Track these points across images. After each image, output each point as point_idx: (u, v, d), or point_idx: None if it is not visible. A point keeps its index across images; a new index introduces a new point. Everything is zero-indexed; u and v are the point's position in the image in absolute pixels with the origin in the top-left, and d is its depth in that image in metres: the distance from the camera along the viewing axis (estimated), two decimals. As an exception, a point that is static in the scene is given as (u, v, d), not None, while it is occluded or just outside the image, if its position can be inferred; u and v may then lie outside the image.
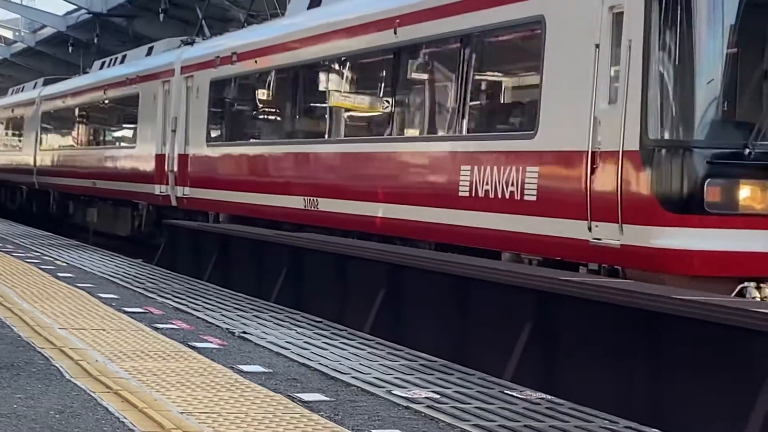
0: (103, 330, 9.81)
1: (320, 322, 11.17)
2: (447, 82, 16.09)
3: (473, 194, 14.17)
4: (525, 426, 6.69)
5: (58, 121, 39.07)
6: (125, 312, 11.13)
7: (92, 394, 6.98)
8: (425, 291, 12.39)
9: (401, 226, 15.93)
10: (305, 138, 20.06)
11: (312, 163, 19.22)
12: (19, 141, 44.14)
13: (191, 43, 27.99)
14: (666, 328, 8.82)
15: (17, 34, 63.50)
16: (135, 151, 29.17)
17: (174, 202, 25.82)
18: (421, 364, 8.77)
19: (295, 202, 19.25)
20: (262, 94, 21.81)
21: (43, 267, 15.68)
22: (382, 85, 17.62)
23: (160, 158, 26.78)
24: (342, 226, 17.62)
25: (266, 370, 8.17)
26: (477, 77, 15.13)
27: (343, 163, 18.08)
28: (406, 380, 8.02)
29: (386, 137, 16.91)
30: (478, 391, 7.73)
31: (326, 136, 18.99)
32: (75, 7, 47.17)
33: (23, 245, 20.26)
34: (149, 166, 27.61)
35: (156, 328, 10.08)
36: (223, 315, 11.28)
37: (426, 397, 7.36)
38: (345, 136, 18.59)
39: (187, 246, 20.11)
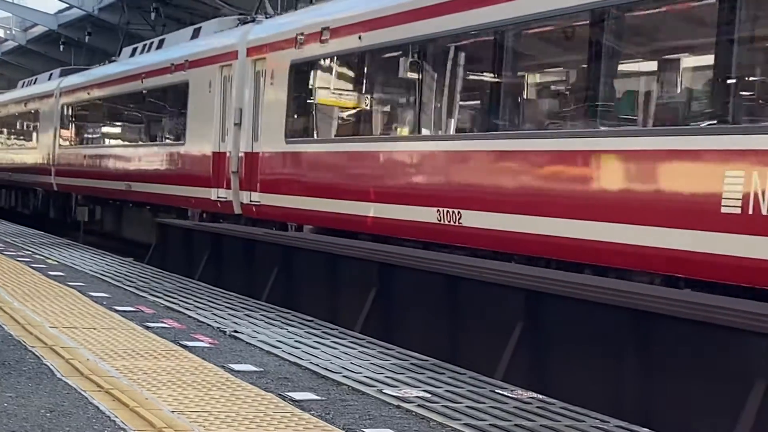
0: (94, 329, 9.79)
1: (311, 321, 11.18)
2: (686, 53, 11.75)
3: (750, 211, 9.90)
4: (516, 425, 6.69)
5: (82, 115, 34.51)
6: (116, 311, 11.12)
7: (83, 392, 6.98)
8: (416, 290, 12.40)
9: (602, 252, 11.81)
10: (447, 132, 15.20)
11: (453, 164, 14.64)
12: (34, 138, 39.70)
13: (252, 21, 23.42)
14: (657, 327, 8.84)
15: (8, 32, 63.46)
16: (183, 149, 24.69)
17: (237, 210, 21.54)
18: (412, 363, 8.78)
19: (423, 214, 14.90)
20: (370, 78, 17.24)
21: (34, 265, 15.66)
22: (570, 59, 13.47)
23: (218, 157, 22.50)
24: (499, 248, 13.45)
25: (257, 369, 8.17)
26: (748, 41, 10.52)
27: (509, 164, 13.56)
28: (397, 379, 8.02)
29: (585, 130, 12.30)
30: (469, 391, 7.74)
31: (481, 129, 14.35)
32: (67, 5, 47.11)
33: (14, 244, 20.23)
34: (203, 166, 23.21)
35: (147, 327, 10.08)
36: (214, 314, 11.27)
37: (417, 396, 7.36)
38: (515, 129, 13.70)
39: (178, 245, 20.10)
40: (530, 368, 10.18)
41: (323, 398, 7.20)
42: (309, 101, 19.15)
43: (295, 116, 19.66)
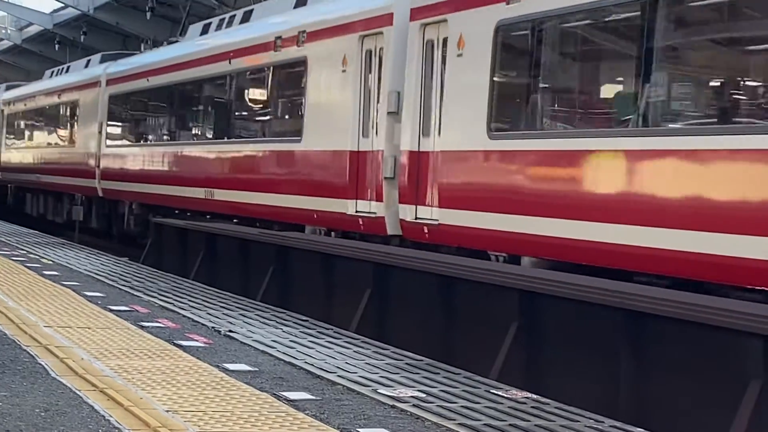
0: (89, 328, 9.79)
1: (306, 320, 11.18)
2: None
3: None
4: (511, 425, 6.69)
5: (139, 106, 28.74)
6: (111, 310, 11.12)
7: (78, 392, 6.98)
8: (411, 290, 12.40)
9: None
10: None
11: None
12: (71, 134, 33.98)
13: None
14: (651, 327, 8.84)
15: (3, 31, 63.45)
16: (300, 147, 19.05)
17: (393, 229, 16.18)
18: (407, 363, 8.78)
19: None
20: (666, 39, 11.44)
21: (29, 265, 15.65)
22: None
23: (358, 158, 17.20)
24: None
25: (252, 369, 8.17)
26: None
27: None
28: (392, 379, 8.02)
29: None
30: (463, 391, 7.74)
31: None
32: (62, 5, 47.07)
33: (9, 243, 20.23)
34: (334, 170, 17.82)
35: (142, 327, 10.08)
36: (209, 313, 11.27)
37: (412, 396, 7.36)
38: None
39: (173, 244, 20.10)
40: (525, 368, 10.18)
41: (318, 398, 7.20)
42: (536, 79, 13.47)
43: (509, 100, 14.21)
